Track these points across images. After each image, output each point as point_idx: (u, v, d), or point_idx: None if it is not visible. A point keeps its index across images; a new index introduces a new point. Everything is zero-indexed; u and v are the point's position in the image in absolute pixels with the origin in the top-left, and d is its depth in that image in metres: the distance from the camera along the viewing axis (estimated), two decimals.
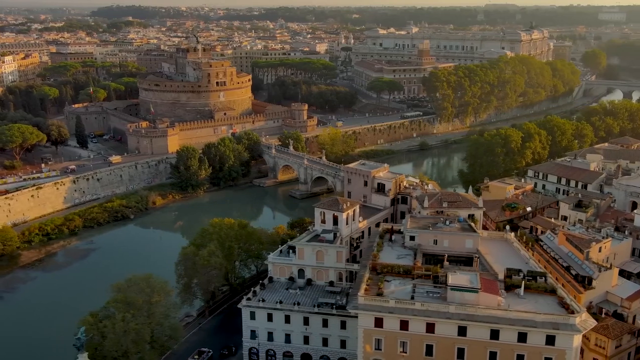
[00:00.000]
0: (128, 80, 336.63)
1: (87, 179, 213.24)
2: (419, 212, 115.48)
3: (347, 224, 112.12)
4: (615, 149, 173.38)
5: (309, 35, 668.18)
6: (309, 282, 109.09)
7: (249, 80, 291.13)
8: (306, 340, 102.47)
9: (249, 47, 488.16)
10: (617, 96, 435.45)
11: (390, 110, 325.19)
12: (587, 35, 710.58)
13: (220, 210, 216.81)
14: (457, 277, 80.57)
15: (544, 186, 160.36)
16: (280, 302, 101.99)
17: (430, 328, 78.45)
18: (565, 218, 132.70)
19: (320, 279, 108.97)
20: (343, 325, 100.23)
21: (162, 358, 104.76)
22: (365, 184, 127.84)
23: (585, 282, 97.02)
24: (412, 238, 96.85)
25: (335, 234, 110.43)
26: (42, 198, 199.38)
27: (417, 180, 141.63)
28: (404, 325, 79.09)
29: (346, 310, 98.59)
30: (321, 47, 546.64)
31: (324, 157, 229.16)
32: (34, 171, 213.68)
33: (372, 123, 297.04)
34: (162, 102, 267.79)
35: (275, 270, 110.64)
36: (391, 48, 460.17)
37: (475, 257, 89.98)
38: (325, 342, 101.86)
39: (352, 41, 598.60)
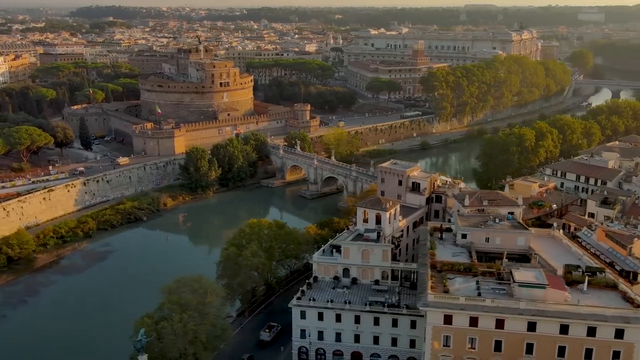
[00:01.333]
0: (125, 81, 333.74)
1: (97, 181, 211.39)
2: (458, 211, 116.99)
3: (389, 223, 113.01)
4: (629, 147, 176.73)
5: (296, 36, 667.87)
6: (354, 281, 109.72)
7: (251, 80, 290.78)
8: (357, 338, 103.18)
9: (240, 48, 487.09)
10: (605, 95, 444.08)
11: (388, 111, 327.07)
12: (570, 36, 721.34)
13: (232, 211, 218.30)
14: (523, 274, 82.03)
15: (562, 184, 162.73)
16: (331, 301, 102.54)
17: (500, 324, 79.80)
18: (592, 215, 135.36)
19: (366, 278, 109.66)
20: (394, 324, 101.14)
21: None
22: (400, 183, 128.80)
23: (630, 277, 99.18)
24: (464, 236, 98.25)
25: (378, 233, 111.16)
26: (53, 201, 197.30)
27: (450, 179, 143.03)
28: (474, 321, 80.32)
29: (398, 308, 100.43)
30: (311, 48, 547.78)
31: (333, 157, 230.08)
32: (42, 173, 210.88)
33: (372, 123, 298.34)
34: (165, 103, 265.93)
35: (320, 270, 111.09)
36: (383, 48, 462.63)
37: (534, 254, 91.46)
38: (376, 340, 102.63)
39: (341, 41, 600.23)
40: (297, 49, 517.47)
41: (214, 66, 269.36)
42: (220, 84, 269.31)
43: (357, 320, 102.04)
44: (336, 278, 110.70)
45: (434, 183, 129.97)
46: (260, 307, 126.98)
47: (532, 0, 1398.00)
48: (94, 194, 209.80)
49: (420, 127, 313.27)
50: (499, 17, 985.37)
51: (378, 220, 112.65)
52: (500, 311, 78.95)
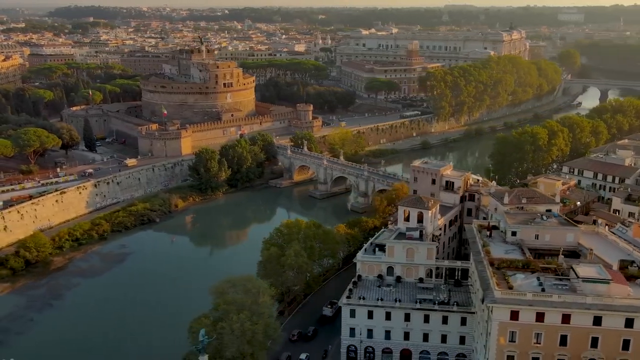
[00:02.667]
0: (122, 82, 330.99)
1: (108, 183, 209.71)
2: (496, 209, 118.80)
3: (430, 221, 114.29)
4: None
5: (284, 36, 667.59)
6: (398, 279, 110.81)
7: (253, 81, 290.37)
8: (406, 336, 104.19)
9: (231, 48, 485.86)
10: (592, 94, 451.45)
11: (387, 110, 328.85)
12: (553, 36, 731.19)
13: (244, 212, 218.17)
14: (585, 270, 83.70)
15: (579, 182, 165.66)
16: (381, 300, 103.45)
17: (565, 319, 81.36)
18: (616, 211, 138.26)
19: (410, 276, 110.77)
20: (444, 321, 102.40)
21: None
22: (433, 182, 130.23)
23: None
24: (513, 233, 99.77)
25: (421, 232, 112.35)
26: (65, 203, 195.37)
27: (480, 178, 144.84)
28: (540, 317, 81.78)
29: (448, 305, 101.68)
30: (300, 48, 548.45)
31: (341, 157, 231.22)
32: (51, 175, 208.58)
33: (371, 123, 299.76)
34: (168, 103, 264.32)
35: (364, 269, 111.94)
36: (375, 48, 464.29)
37: (586, 250, 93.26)
38: (425, 337, 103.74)
39: (330, 42, 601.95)
40: (286, 49, 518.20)
41: (218, 67, 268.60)
42: (224, 84, 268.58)
43: (407, 318, 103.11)
44: (380, 277, 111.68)
45: (467, 182, 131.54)
46: (298, 306, 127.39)
47: (511, 1, 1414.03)
48: (104, 195, 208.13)
49: (420, 127, 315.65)
50: (481, 18, 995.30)
51: (420, 219, 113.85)
52: (567, 306, 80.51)
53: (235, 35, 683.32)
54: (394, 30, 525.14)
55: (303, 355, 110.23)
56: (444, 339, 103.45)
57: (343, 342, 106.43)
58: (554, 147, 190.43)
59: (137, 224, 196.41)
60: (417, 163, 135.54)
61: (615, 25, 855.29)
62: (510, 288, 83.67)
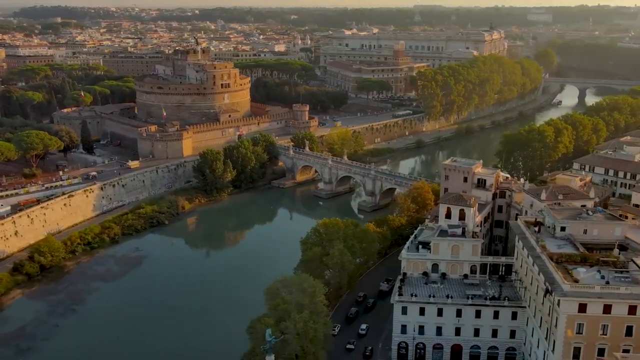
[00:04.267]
0: (111, 83, 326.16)
1: (113, 186, 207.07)
2: (531, 206, 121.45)
3: (472, 218, 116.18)
4: None
5: (261, 37, 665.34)
6: (443, 276, 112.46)
7: (248, 82, 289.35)
8: (457, 331, 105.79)
9: (213, 49, 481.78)
10: (569, 93, 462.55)
11: (379, 110, 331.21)
12: (525, 35, 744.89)
13: (252, 212, 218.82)
14: None
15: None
16: (433, 296, 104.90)
17: (632, 310, 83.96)
18: (637, 206, 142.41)
19: (454, 273, 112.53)
20: (496, 315, 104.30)
21: None
22: (465, 179, 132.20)
23: None
24: (562, 229, 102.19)
25: (463, 229, 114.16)
26: (73, 206, 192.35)
27: (508, 176, 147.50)
28: (607, 309, 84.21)
29: (499, 300, 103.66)
30: (280, 48, 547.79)
31: (345, 157, 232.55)
32: (54, 179, 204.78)
33: (365, 123, 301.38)
34: (166, 104, 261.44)
35: (409, 266, 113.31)
36: (358, 49, 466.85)
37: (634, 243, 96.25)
38: (476, 332, 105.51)
39: (309, 42, 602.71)
40: (267, 49, 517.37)
41: (215, 67, 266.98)
42: (222, 85, 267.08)
43: (459, 313, 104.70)
44: (425, 274, 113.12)
45: (497, 179, 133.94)
46: (336, 304, 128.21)
47: (478, 1, 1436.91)
48: (110, 198, 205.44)
49: (412, 126, 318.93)
50: (452, 18, 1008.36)
51: (462, 216, 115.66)
52: (635, 297, 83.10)
53: (212, 36, 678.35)
54: (375, 31, 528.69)
55: (363, 326, 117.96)
56: (494, 333, 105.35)
57: (394, 340, 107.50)
58: (560, 144, 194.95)
59: (147, 226, 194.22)
60: (447, 161, 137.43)
61: (584, 25, 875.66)
62: (576, 281, 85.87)
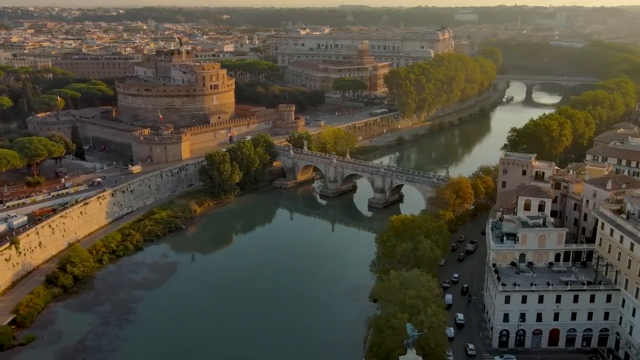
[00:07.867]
0: (81, 86, 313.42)
1: (123, 192, 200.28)
2: (594, 195, 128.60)
3: (550, 209, 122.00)
4: None
5: (205, 37, 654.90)
6: (530, 265, 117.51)
7: (233, 82, 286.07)
8: (556, 317, 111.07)
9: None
10: (516, 89, 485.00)
11: (353, 109, 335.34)
12: (460, 35, 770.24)
13: (265, 213, 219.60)
14: None
15: None
16: (535, 285, 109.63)
17: None
18: None
19: (540, 261, 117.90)
20: (592, 299, 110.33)
21: None
22: (524, 172, 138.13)
23: None
24: None
25: (544, 219, 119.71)
26: (89, 214, 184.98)
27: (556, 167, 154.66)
28: None
29: (595, 285, 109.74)
30: (228, 48, 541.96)
31: (347, 156, 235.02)
32: (58, 187, 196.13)
33: (344, 122, 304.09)
34: (154, 107, 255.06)
35: (498, 257, 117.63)
36: (315, 48, 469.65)
37: None
38: (573, 316, 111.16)
39: (257, 42, 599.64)
40: (216, 50, 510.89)
41: (204, 68, 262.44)
42: (211, 86, 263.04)
43: (558, 299, 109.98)
44: (513, 264, 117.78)
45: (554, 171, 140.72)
46: None
47: (402, 2, 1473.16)
48: (121, 205, 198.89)
49: (389, 124, 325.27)
50: (384, 18, 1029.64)
51: (541, 208, 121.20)
52: None
53: (153, 36, 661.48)
54: (326, 31, 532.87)
55: (449, 296, 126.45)
56: (590, 316, 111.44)
57: (496, 328, 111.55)
58: (563, 137, 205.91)
59: (166, 232, 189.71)
60: (504, 156, 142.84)
61: (514, 25, 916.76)
62: None
